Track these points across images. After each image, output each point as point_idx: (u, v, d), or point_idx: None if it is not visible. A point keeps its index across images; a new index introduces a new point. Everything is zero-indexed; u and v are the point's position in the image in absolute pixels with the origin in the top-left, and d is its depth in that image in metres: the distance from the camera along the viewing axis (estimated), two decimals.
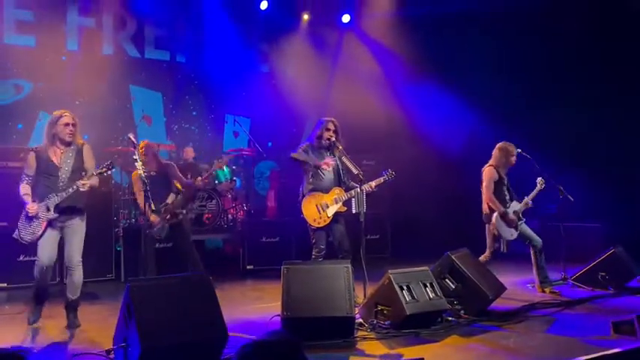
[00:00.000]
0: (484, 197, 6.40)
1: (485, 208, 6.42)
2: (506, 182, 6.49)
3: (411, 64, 10.18)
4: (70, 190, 4.98)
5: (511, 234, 6.33)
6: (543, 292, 6.34)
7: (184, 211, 6.67)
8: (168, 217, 6.46)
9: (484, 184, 6.40)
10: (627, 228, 7.82)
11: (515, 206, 6.41)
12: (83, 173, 5.11)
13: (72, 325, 5.14)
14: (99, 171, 5.05)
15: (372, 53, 10.97)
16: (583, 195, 7.18)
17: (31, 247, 6.86)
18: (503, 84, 9.44)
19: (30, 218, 5.02)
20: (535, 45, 9.48)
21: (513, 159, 6.47)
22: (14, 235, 5.12)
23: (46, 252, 5.06)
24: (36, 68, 9.11)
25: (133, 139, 5.43)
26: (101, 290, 6.78)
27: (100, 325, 5.16)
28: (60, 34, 9.42)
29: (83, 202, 5.19)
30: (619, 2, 8.63)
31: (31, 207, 5.01)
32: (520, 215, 6.40)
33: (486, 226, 6.44)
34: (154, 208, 5.63)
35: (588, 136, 8.97)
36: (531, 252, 6.43)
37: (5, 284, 6.95)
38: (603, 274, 6.36)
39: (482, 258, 6.35)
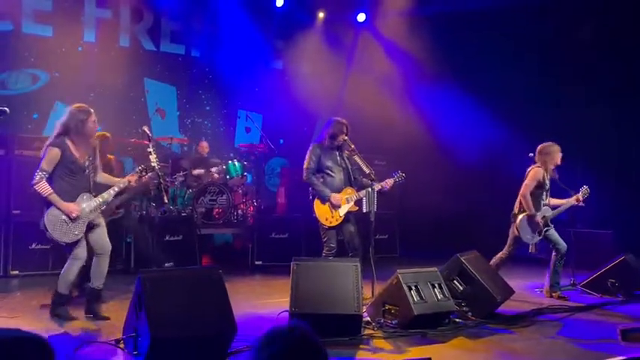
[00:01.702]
0: (520, 192, 6.28)
1: (516, 205, 6.36)
2: (547, 187, 6.37)
3: (426, 64, 10.12)
4: (118, 187, 5.05)
5: (530, 237, 6.27)
6: (551, 296, 6.32)
7: (121, 211, 6.57)
8: None
9: (525, 181, 6.28)
10: (638, 235, 7.78)
11: (546, 211, 6.33)
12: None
13: (100, 315, 5.07)
14: (139, 170, 5.22)
15: (387, 53, 10.95)
16: (594, 201, 7.15)
17: (44, 236, 6.96)
18: (519, 85, 9.37)
19: (73, 220, 4.81)
20: (552, 45, 9.40)
21: (558, 157, 6.36)
22: (52, 237, 4.83)
23: (85, 249, 4.97)
24: (53, 58, 9.16)
25: (148, 131, 5.48)
26: (110, 281, 6.81)
27: (109, 315, 5.15)
28: (77, 25, 9.46)
29: None
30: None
31: (75, 209, 4.81)
32: (548, 222, 6.33)
33: (512, 224, 6.36)
34: (166, 201, 5.66)
35: (600, 141, 8.90)
36: (553, 255, 6.38)
37: (17, 272, 7.04)
38: (613, 281, 6.34)
39: (499, 255, 6.35)
